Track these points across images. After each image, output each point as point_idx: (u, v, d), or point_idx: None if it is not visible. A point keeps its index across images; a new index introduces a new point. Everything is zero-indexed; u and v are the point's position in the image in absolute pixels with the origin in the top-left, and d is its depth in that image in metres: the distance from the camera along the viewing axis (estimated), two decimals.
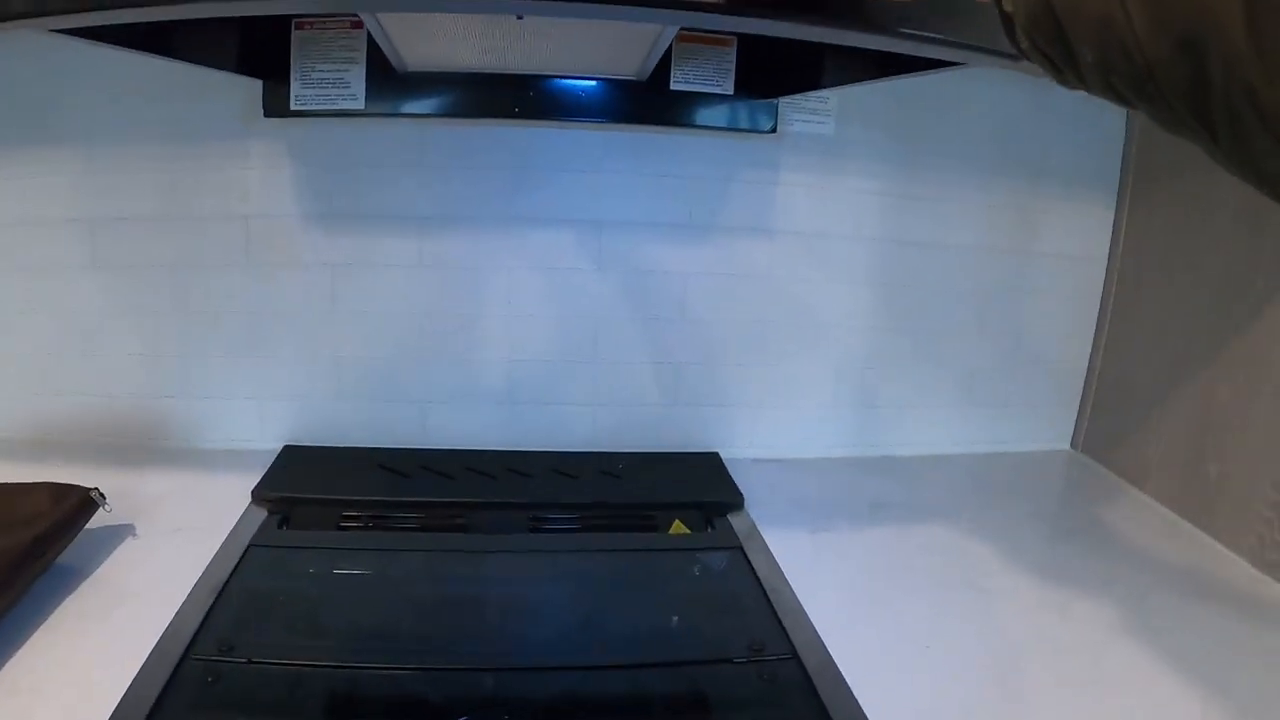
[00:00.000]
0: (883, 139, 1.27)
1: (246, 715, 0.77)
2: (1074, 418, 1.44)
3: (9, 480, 0.98)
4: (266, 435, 1.27)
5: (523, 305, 1.24)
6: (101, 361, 1.24)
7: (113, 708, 0.74)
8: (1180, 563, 1.10)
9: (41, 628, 0.86)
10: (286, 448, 1.25)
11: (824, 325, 1.32)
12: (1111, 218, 1.35)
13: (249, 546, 1.01)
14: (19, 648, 0.82)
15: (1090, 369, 1.42)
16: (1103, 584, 1.04)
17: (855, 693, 0.83)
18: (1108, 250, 1.36)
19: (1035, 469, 1.39)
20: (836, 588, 1.01)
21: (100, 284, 1.21)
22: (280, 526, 1.07)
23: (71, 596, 0.91)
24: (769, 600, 0.96)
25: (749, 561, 1.04)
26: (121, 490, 1.08)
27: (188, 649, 0.82)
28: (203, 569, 0.96)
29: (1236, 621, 0.97)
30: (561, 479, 1.19)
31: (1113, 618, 0.98)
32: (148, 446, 1.26)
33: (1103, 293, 1.39)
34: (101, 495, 1.01)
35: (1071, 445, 1.45)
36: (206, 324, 1.23)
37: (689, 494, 1.19)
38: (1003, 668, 0.89)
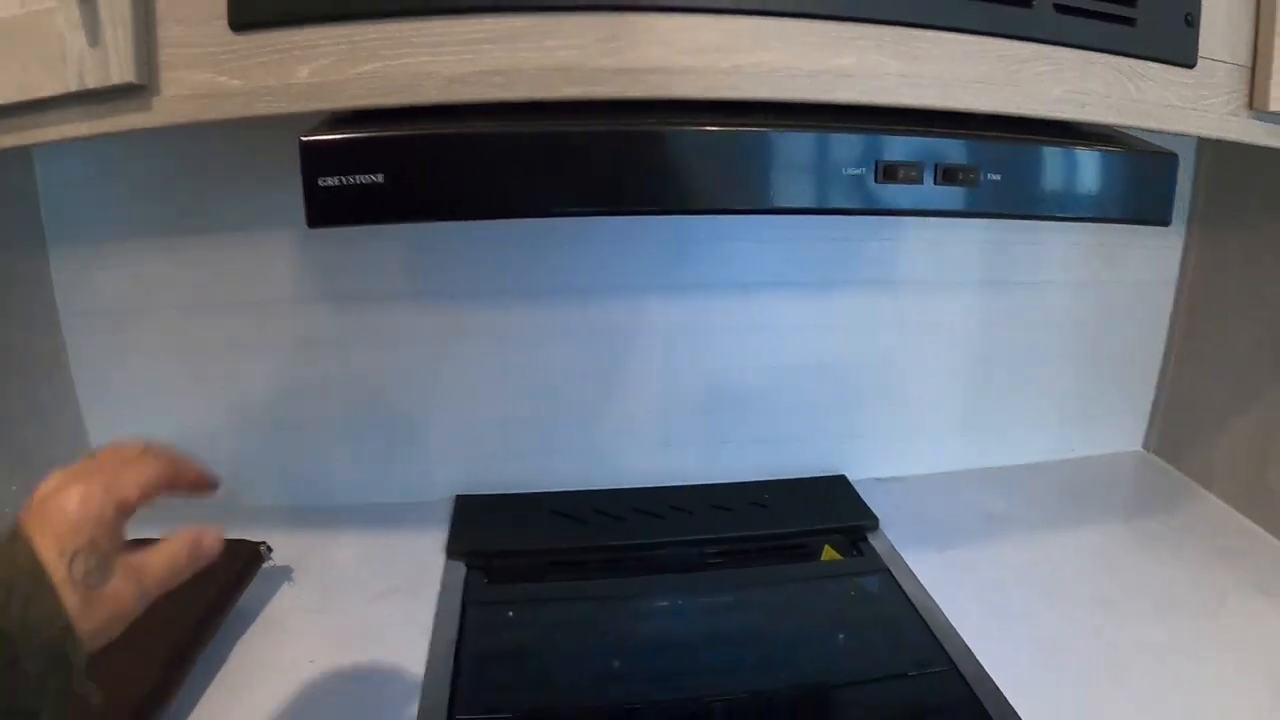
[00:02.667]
0: None
1: None
2: (1145, 423, 1.58)
3: None
4: (435, 487, 1.39)
5: (674, 361, 1.37)
6: (269, 429, 1.35)
7: None
8: (1250, 566, 1.23)
9: (300, 694, 0.98)
10: (459, 498, 1.37)
11: (933, 359, 1.45)
12: (1181, 245, 1.46)
13: (465, 605, 1.13)
14: (274, 699, 0.97)
15: (1161, 379, 1.54)
16: (1184, 590, 1.18)
17: (1006, 694, 0.98)
18: (1177, 275, 1.48)
19: (1112, 471, 1.54)
20: (974, 602, 1.15)
21: (273, 362, 1.32)
22: (485, 582, 1.20)
23: (323, 662, 1.03)
24: (922, 618, 1.11)
25: (897, 582, 1.19)
26: (315, 550, 1.24)
27: (450, 711, 0.95)
28: (430, 629, 1.08)
29: None
30: (719, 513, 1.33)
31: (1194, 621, 1.12)
32: (324, 505, 1.37)
33: (1172, 313, 1.50)
34: (269, 548, 1.15)
35: (1144, 446, 1.59)
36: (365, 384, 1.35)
37: (831, 519, 1.33)
38: (1113, 670, 1.04)
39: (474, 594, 1.16)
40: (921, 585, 1.19)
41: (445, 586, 1.18)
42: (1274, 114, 0.85)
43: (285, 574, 1.19)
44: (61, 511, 0.58)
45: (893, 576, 1.20)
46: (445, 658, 1.03)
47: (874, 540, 1.30)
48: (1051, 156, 0.78)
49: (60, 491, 0.59)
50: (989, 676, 1.02)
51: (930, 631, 1.09)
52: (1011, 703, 0.98)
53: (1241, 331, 1.35)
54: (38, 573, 0.55)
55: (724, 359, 1.39)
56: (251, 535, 1.15)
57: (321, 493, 1.38)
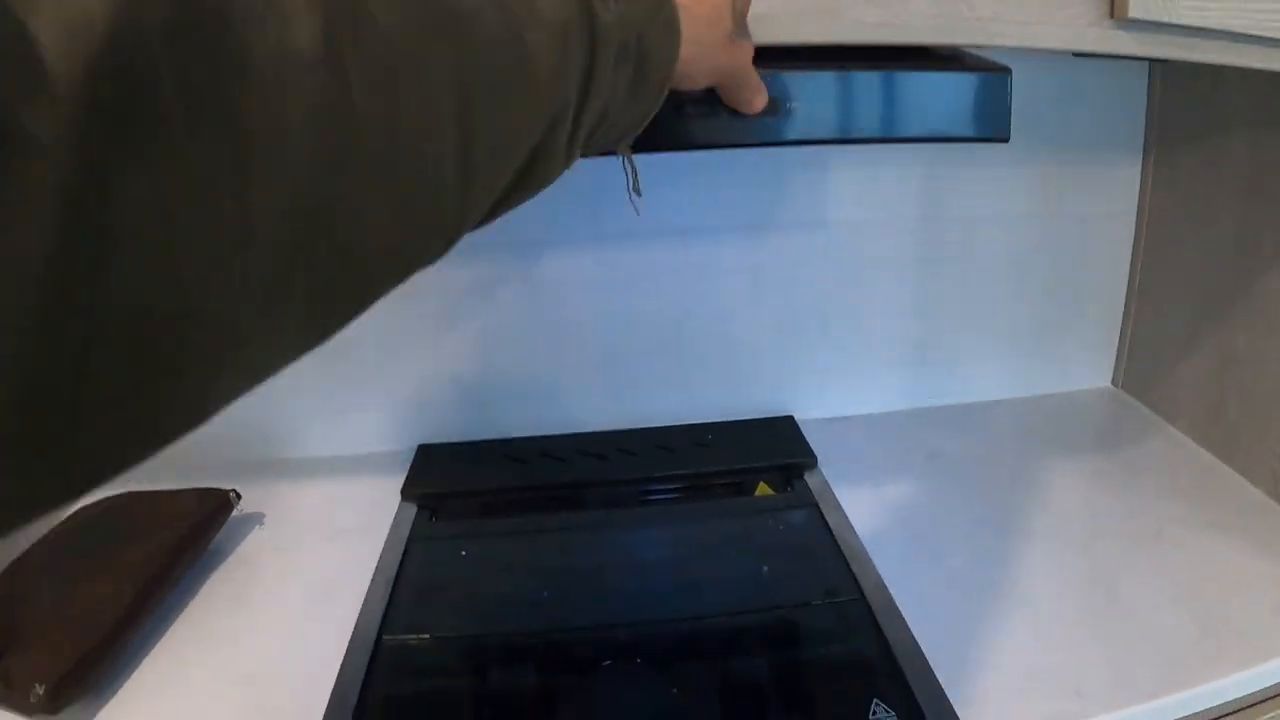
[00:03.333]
0: None
1: (436, 679, 1.00)
2: (1113, 359, 1.55)
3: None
4: (402, 438, 1.46)
5: (613, 307, 1.41)
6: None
7: (332, 683, 0.96)
8: (1201, 499, 1.22)
9: (255, 623, 1.09)
10: (421, 447, 1.44)
11: (877, 297, 1.46)
12: (1137, 177, 1.44)
13: (409, 541, 1.21)
14: (235, 642, 1.05)
15: (1125, 314, 1.51)
16: (1124, 522, 1.19)
17: (911, 626, 1.01)
18: (1135, 206, 1.46)
19: (1078, 409, 1.51)
20: (897, 537, 1.18)
21: None
22: (431, 520, 1.27)
23: (278, 594, 1.14)
24: (841, 551, 1.15)
25: (823, 517, 1.22)
26: (286, 497, 1.33)
27: (380, 629, 1.04)
28: (375, 560, 1.17)
29: (1247, 553, 1.11)
30: (661, 453, 1.38)
31: (1131, 552, 1.13)
32: (295, 458, 1.45)
33: (1133, 246, 1.48)
34: (237, 495, 1.24)
35: (1112, 383, 1.57)
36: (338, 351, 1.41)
37: (769, 457, 1.36)
38: (1033, 599, 1.06)
39: (419, 531, 1.24)
40: (848, 520, 1.22)
41: (395, 525, 1.26)
42: (1136, 21, 0.83)
43: (257, 519, 1.29)
44: None
45: (820, 512, 1.24)
46: (383, 587, 1.12)
47: (809, 478, 1.33)
48: (862, 82, 0.80)
49: None
50: (895, 606, 1.05)
51: (846, 564, 1.13)
52: (914, 631, 1.01)
53: (1201, 261, 1.34)
54: (672, 5, 0.56)
55: (664, 304, 1.42)
56: (224, 485, 1.25)
57: (293, 446, 1.46)
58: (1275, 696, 1.01)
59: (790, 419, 1.48)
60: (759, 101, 0.73)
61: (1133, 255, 1.50)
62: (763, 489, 1.31)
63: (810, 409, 1.50)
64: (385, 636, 1.03)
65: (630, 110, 0.55)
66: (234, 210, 0.29)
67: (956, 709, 0.91)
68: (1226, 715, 1.00)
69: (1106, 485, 1.29)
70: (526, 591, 1.13)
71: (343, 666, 0.99)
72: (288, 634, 1.07)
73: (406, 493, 1.32)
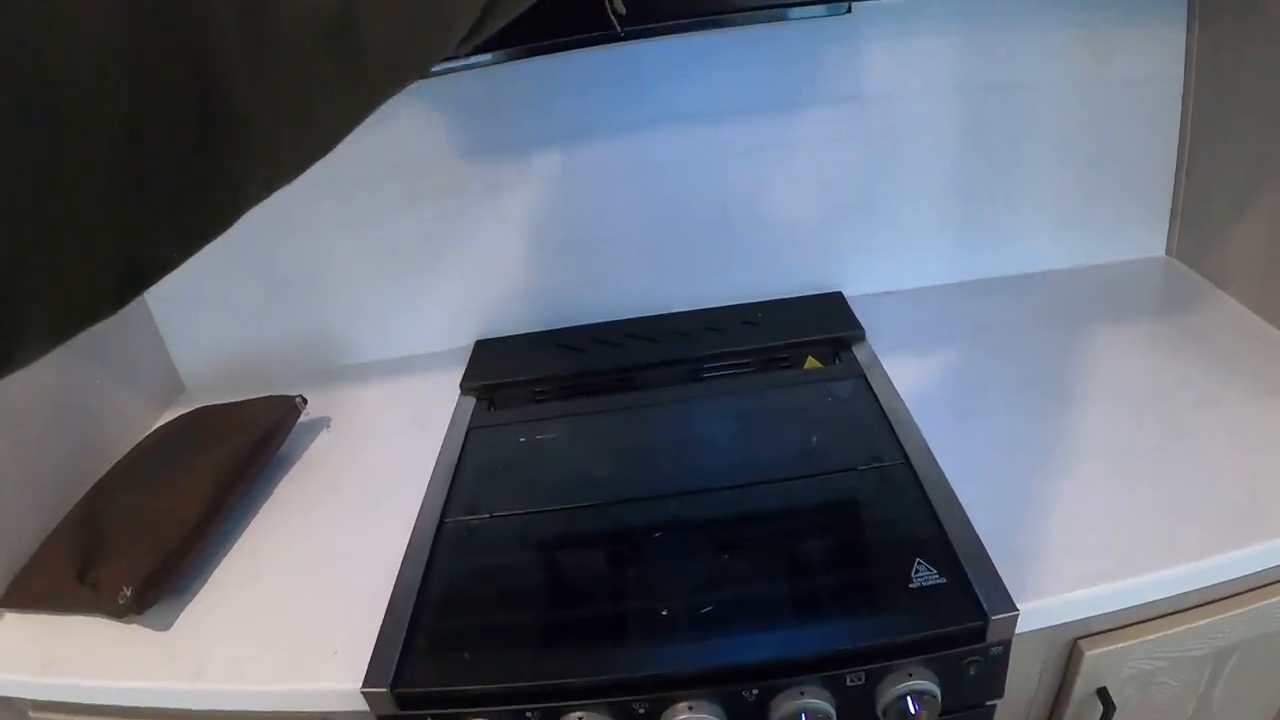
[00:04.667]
0: None
1: (495, 555, 1.06)
2: (1166, 227, 1.51)
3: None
4: (457, 336, 1.52)
5: (654, 193, 1.42)
6: (299, 300, 1.49)
7: (399, 559, 1.04)
8: (1255, 367, 1.21)
9: (325, 518, 1.16)
10: (478, 342, 1.50)
11: (921, 170, 1.44)
12: (1183, 38, 1.38)
13: (469, 430, 1.28)
14: (307, 537, 1.13)
15: (1176, 180, 1.47)
16: (1176, 389, 1.19)
17: (954, 486, 1.05)
18: (1182, 69, 1.40)
19: (1130, 277, 1.48)
20: (943, 404, 1.21)
21: (304, 240, 1.44)
22: (489, 409, 1.33)
23: (345, 489, 1.21)
24: (887, 418, 1.18)
25: (870, 386, 1.25)
26: (350, 401, 1.40)
27: (443, 512, 1.11)
28: (437, 450, 1.24)
29: None
30: (711, 334, 1.41)
31: (1181, 418, 1.13)
32: (356, 363, 1.53)
33: (1181, 110, 1.42)
34: (304, 400, 1.31)
35: (1166, 252, 1.53)
36: (389, 256, 1.46)
37: (818, 331, 1.39)
38: (1079, 462, 1.08)
39: (477, 421, 1.31)
40: (894, 389, 1.25)
41: (454, 418, 1.32)
42: None
43: (324, 423, 1.37)
44: None
45: (867, 382, 1.27)
46: (445, 474, 1.19)
47: (857, 350, 1.36)
48: None
49: None
50: (939, 469, 1.09)
51: (892, 430, 1.16)
52: (957, 493, 1.05)
53: (1252, 123, 1.30)
54: None
55: (705, 187, 1.43)
56: (292, 393, 1.33)
57: (354, 353, 1.54)
58: None
59: (839, 295, 1.50)
60: None
61: (1181, 120, 1.45)
62: (811, 363, 1.34)
63: (858, 285, 1.52)
64: (447, 520, 1.10)
65: None
66: None
67: (998, 567, 0.94)
68: (1272, 584, 1.02)
69: (1160, 351, 1.27)
70: (582, 471, 1.18)
71: (408, 548, 1.06)
72: (356, 525, 1.14)
73: (465, 386, 1.38)
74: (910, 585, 0.93)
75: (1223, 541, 0.95)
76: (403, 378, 1.47)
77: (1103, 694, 1.03)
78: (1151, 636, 1.00)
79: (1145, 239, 1.53)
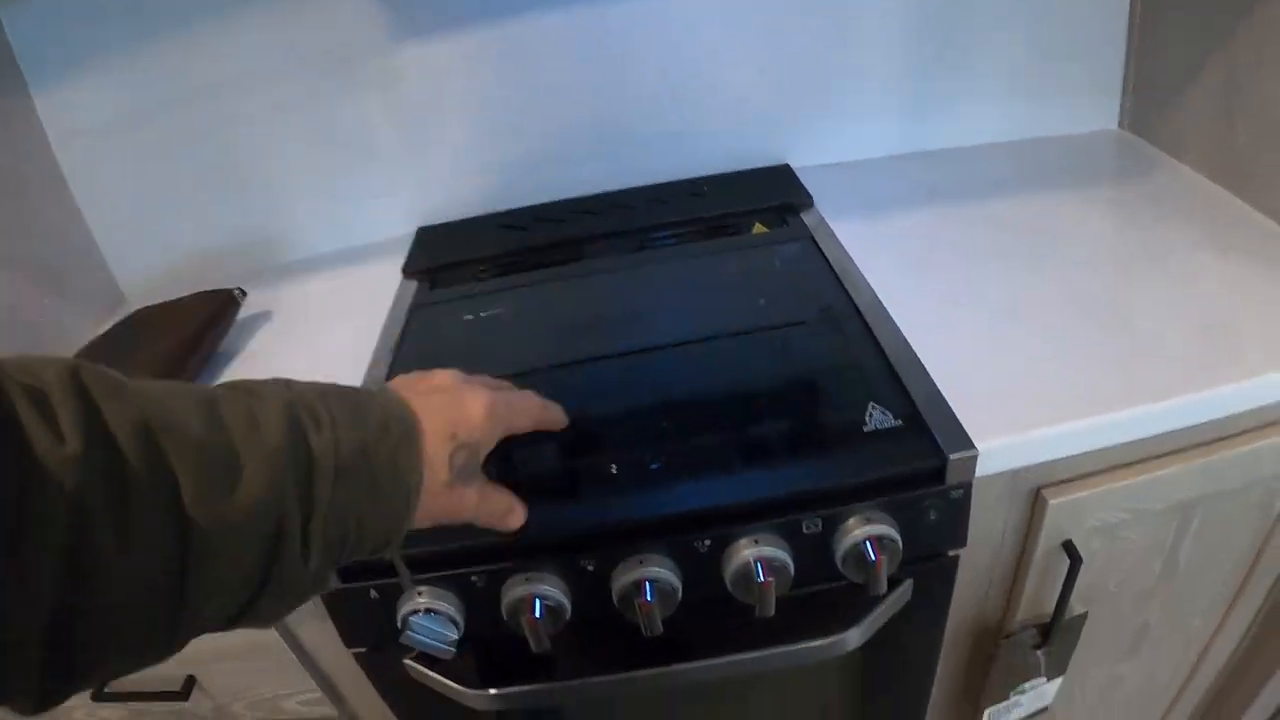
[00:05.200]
0: None
1: None
2: (1118, 100, 1.48)
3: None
4: (401, 224, 1.46)
5: (594, 67, 1.36)
6: (237, 200, 1.42)
7: None
8: (1210, 225, 1.17)
9: None
10: (420, 229, 1.45)
11: (869, 42, 1.39)
12: None
13: (410, 310, 1.23)
14: None
15: (1128, 50, 1.43)
16: (1134, 243, 1.16)
17: (907, 335, 1.01)
18: None
19: (1082, 148, 1.45)
20: (894, 261, 1.17)
21: (231, 134, 1.37)
22: (431, 290, 1.28)
23: (283, 370, 1.12)
24: (837, 276, 1.14)
25: (819, 248, 1.21)
26: (293, 294, 1.35)
27: None
28: (379, 333, 1.19)
29: (1261, 276, 1.07)
30: (657, 205, 1.36)
31: (1138, 268, 1.11)
32: (298, 259, 1.47)
33: None
34: (242, 292, 1.26)
35: (1118, 124, 1.50)
36: (329, 145, 1.39)
37: (765, 200, 1.35)
38: (1032, 310, 1.05)
39: (420, 300, 1.26)
40: (844, 249, 1.21)
41: (397, 300, 1.28)
42: None
43: (265, 317, 1.32)
44: (464, 409, 0.65)
45: (815, 243, 1.23)
46: (387, 354, 1.14)
47: (805, 216, 1.32)
48: None
49: (464, 392, 0.67)
50: (890, 318, 1.05)
51: (840, 285, 1.13)
52: (910, 340, 1.01)
53: None
54: (410, 426, 0.61)
55: (646, 59, 1.37)
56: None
57: (296, 248, 1.48)
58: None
59: (786, 167, 1.45)
60: (513, 521, 0.77)
61: None
62: (759, 229, 1.30)
63: (806, 157, 1.47)
64: None
65: (377, 519, 0.58)
66: None
67: (956, 411, 0.91)
68: (1232, 435, 1.00)
69: (1114, 214, 1.25)
70: (526, 341, 1.14)
71: None
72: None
73: (407, 271, 1.34)
74: (864, 429, 0.90)
75: (1185, 384, 0.92)
76: (346, 269, 1.42)
77: (1068, 547, 1.01)
78: (1114, 485, 0.97)
79: (1097, 112, 1.50)
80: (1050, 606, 1.07)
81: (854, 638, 0.92)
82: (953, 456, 0.86)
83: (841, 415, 0.92)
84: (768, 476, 0.87)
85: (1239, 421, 0.98)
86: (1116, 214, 1.25)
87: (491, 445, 0.70)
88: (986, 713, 1.20)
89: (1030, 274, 1.12)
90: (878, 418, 0.90)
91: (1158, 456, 0.99)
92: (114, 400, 0.46)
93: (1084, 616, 1.12)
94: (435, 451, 0.63)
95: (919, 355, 0.98)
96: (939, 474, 0.87)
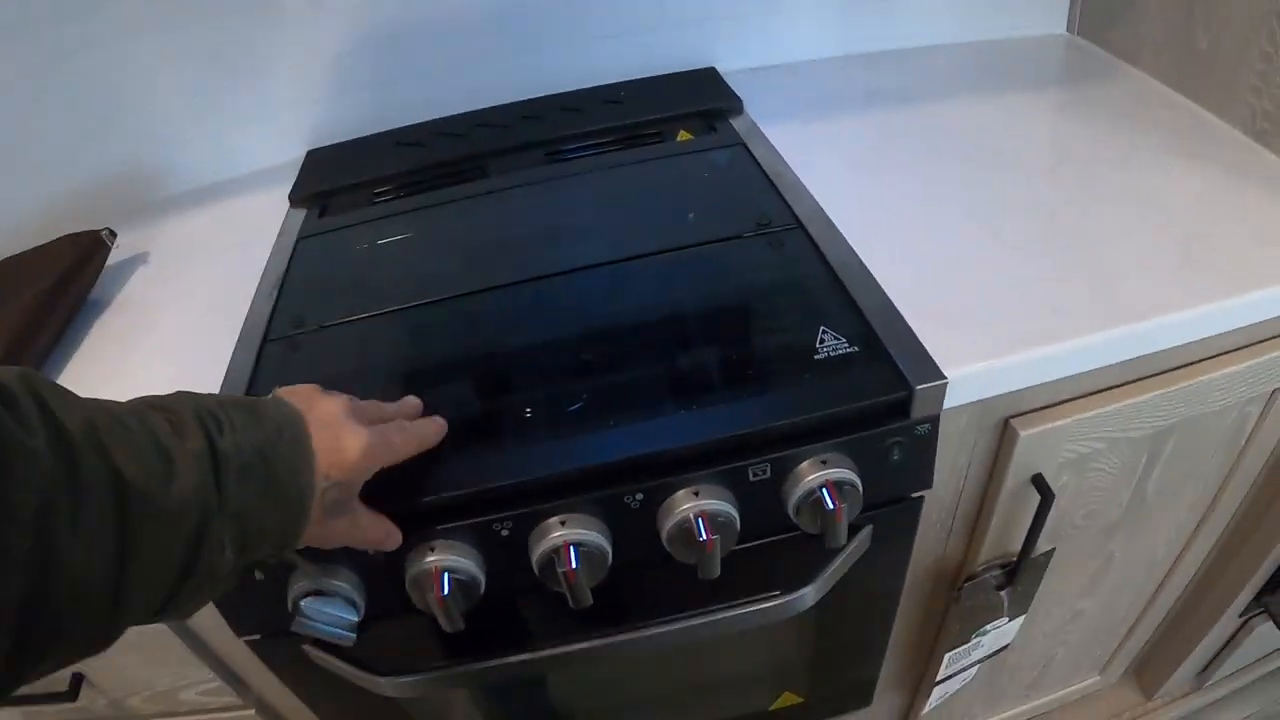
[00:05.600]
0: None
1: (331, 368, 0.87)
2: (1066, 1, 1.38)
3: None
4: (287, 148, 1.30)
5: None
6: (103, 134, 1.24)
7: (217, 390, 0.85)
8: (1172, 131, 1.09)
9: (140, 360, 0.97)
10: (309, 153, 1.28)
11: None
12: None
13: (297, 240, 1.08)
14: (120, 381, 0.94)
15: None
16: (1095, 148, 1.06)
17: (855, 248, 0.90)
18: None
19: (1031, 53, 1.34)
20: (836, 167, 1.06)
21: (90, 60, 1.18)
22: (320, 217, 1.13)
23: (164, 327, 1.01)
24: (773, 184, 1.02)
25: (751, 154, 1.09)
26: (171, 232, 1.20)
27: (265, 333, 0.92)
28: (262, 269, 1.05)
29: (1225, 183, 0.99)
30: (569, 114, 1.22)
31: (1101, 176, 1.01)
32: (177, 193, 1.29)
33: None
34: (112, 234, 1.11)
35: (1068, 29, 1.39)
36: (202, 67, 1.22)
37: (690, 105, 1.22)
38: (994, 221, 0.95)
39: (307, 230, 1.11)
40: (779, 155, 1.09)
41: (283, 231, 1.13)
42: None
43: (141, 259, 1.16)
44: (341, 449, 0.63)
45: (747, 149, 1.11)
46: (270, 289, 1.00)
47: (735, 121, 1.19)
48: None
49: (344, 431, 0.64)
50: (837, 230, 0.94)
51: (778, 194, 1.01)
52: (860, 255, 0.90)
53: None
54: (301, 430, 0.62)
55: None
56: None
57: (173, 181, 1.29)
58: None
59: (712, 70, 1.31)
60: (388, 546, 0.72)
61: None
62: (684, 136, 1.17)
63: (733, 60, 1.34)
64: (270, 340, 0.92)
65: (277, 515, 0.59)
66: None
67: (916, 331, 0.80)
68: (1215, 355, 0.92)
69: (1071, 118, 1.15)
70: (426, 269, 1.00)
71: (226, 377, 0.88)
72: (174, 363, 0.96)
73: (294, 198, 1.18)
74: (816, 356, 0.78)
75: (1166, 302, 0.83)
76: (227, 200, 1.25)
77: (1038, 481, 0.92)
78: (1090, 413, 0.88)
79: (1045, 14, 1.39)
80: (1015, 545, 0.99)
81: (810, 595, 0.82)
82: (919, 387, 0.75)
83: (788, 342, 0.81)
84: (706, 417, 0.75)
85: (1220, 342, 0.90)
86: (1073, 120, 1.14)
87: (364, 479, 0.67)
88: (946, 656, 1.13)
89: (986, 180, 1.02)
90: (830, 343, 0.79)
91: (1136, 380, 0.90)
92: (61, 401, 0.50)
93: (1050, 553, 1.04)
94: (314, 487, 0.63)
95: (871, 271, 0.87)
96: (903, 407, 0.76)
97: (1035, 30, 1.39)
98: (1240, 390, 0.95)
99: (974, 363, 0.77)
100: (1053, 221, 0.94)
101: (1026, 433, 0.86)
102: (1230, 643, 1.46)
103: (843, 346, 0.78)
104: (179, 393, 0.60)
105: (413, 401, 0.76)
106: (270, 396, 0.65)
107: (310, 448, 0.62)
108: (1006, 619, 1.10)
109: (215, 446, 0.56)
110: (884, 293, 0.84)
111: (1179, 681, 1.54)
